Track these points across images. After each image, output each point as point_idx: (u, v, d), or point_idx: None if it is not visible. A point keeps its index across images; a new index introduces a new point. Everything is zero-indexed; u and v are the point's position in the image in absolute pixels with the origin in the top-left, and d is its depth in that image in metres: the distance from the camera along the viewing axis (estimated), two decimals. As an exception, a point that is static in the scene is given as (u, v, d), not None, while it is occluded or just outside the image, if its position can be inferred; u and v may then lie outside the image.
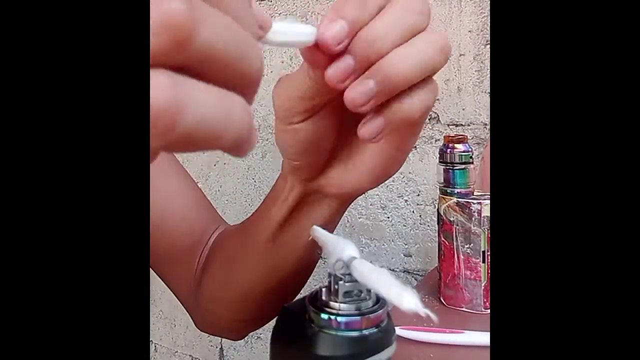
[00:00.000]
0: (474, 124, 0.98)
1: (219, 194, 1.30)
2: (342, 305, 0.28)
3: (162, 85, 0.19)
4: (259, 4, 1.19)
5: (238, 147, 0.22)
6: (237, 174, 1.27)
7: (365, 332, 0.28)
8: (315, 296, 0.30)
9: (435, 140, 1.02)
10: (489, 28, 0.95)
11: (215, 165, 1.31)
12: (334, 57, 0.34)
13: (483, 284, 0.62)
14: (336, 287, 0.28)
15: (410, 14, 0.36)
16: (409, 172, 1.04)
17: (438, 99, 1.01)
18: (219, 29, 0.20)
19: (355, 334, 0.28)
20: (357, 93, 0.34)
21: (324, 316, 0.28)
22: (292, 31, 0.31)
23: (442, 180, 0.66)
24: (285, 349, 0.31)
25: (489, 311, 0.62)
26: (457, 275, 0.64)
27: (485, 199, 0.63)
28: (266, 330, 1.33)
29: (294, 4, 1.15)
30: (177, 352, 1.45)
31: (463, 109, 0.99)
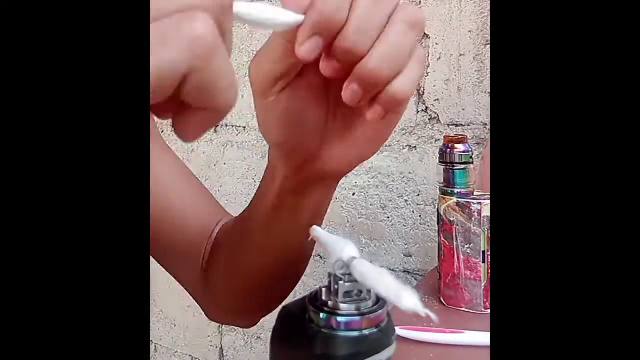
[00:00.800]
0: (474, 124, 0.98)
1: (219, 194, 1.30)
2: (342, 305, 0.28)
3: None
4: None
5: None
6: (237, 174, 1.27)
7: (365, 332, 0.28)
8: (315, 296, 0.30)
9: (435, 140, 1.02)
10: (489, 28, 0.95)
11: (215, 165, 1.31)
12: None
13: (483, 284, 0.62)
14: (336, 287, 0.28)
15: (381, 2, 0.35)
16: (409, 172, 1.04)
17: (438, 99, 1.01)
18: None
19: (355, 334, 0.28)
20: (347, 97, 0.36)
21: (324, 316, 0.28)
22: (273, 14, 0.33)
23: (442, 180, 0.66)
24: (285, 349, 0.31)
25: (489, 311, 0.62)
26: (457, 275, 0.64)
27: (485, 199, 0.63)
28: (266, 330, 1.33)
29: (294, 4, 1.15)
30: (177, 352, 1.45)
31: (463, 109, 0.99)
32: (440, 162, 0.66)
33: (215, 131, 1.29)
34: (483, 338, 0.54)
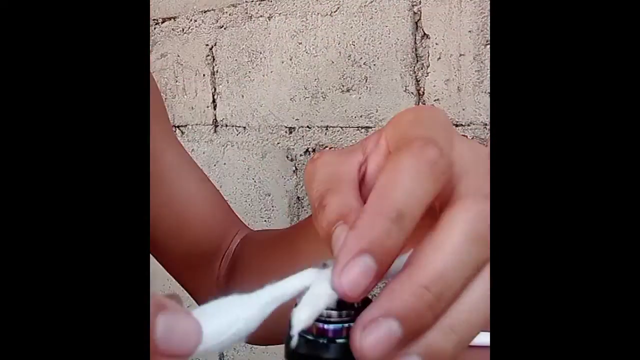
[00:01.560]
0: (474, 124, 0.98)
1: (219, 194, 1.30)
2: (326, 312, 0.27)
3: None
4: (259, 4, 1.19)
5: None
6: (237, 174, 1.27)
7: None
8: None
9: (435, 140, 1.02)
10: (489, 28, 0.95)
11: (215, 165, 1.31)
12: None
13: (483, 284, 0.62)
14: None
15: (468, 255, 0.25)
16: (409, 172, 1.04)
17: (438, 99, 1.01)
18: None
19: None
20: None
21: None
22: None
23: (442, 180, 0.65)
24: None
25: (489, 311, 0.62)
26: (457, 275, 0.63)
27: (485, 199, 0.63)
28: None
29: (294, 4, 1.15)
30: (177, 352, 1.45)
31: (463, 109, 0.99)
32: (440, 162, 0.66)
33: (215, 131, 1.29)
34: (483, 338, 0.54)
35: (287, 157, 1.19)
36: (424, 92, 1.03)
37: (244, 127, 1.25)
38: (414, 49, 1.03)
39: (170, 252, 0.56)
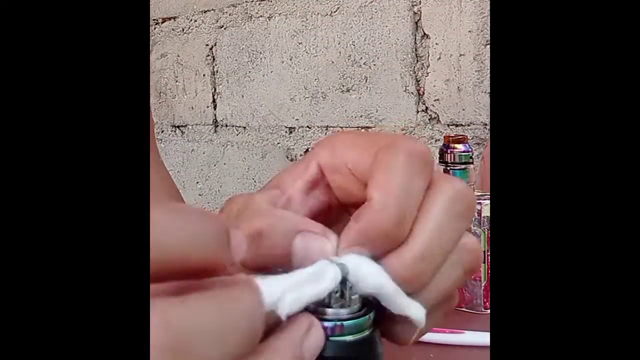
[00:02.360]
0: (474, 124, 0.98)
1: (219, 194, 1.30)
2: (329, 310, 0.27)
3: None
4: (259, 4, 1.19)
5: None
6: (237, 174, 1.27)
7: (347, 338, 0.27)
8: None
9: (435, 140, 1.02)
10: (489, 28, 0.95)
11: (215, 165, 1.31)
12: None
13: (483, 284, 0.62)
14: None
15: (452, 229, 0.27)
16: (409, 172, 1.04)
17: (438, 99, 1.01)
18: None
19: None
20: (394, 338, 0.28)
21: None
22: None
23: (442, 180, 0.66)
24: None
25: (489, 311, 0.62)
26: (457, 275, 0.64)
27: (485, 199, 0.63)
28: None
29: (294, 4, 1.15)
30: (177, 352, 1.45)
31: (463, 109, 0.99)
32: (440, 162, 0.66)
33: (215, 131, 1.29)
34: (483, 338, 0.54)
35: (287, 157, 1.19)
36: (424, 92, 1.03)
37: (244, 127, 1.25)
38: (414, 49, 1.03)
39: None
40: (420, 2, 1.00)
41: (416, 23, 1.02)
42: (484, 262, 0.62)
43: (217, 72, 1.27)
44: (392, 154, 0.26)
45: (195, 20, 1.29)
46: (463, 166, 0.65)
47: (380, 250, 0.26)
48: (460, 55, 0.98)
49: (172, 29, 1.33)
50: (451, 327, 0.56)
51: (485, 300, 0.62)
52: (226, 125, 1.28)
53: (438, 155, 0.66)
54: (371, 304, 0.27)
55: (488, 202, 0.62)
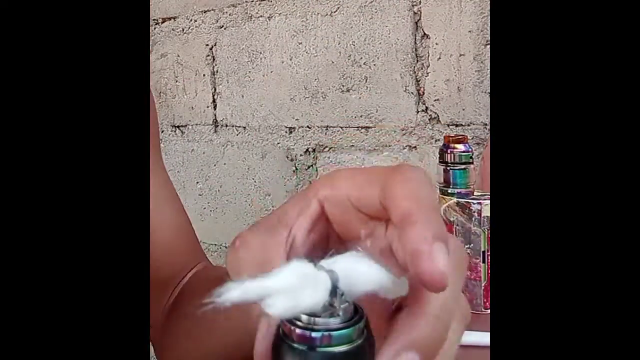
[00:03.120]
0: (474, 124, 0.98)
1: (219, 194, 1.30)
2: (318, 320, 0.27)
3: None
4: (259, 4, 1.19)
5: None
6: (237, 174, 1.27)
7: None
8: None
9: (435, 140, 1.02)
10: (489, 28, 0.95)
11: (215, 165, 1.31)
12: None
13: (483, 284, 0.62)
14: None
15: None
16: (409, 172, 1.04)
17: (438, 99, 1.01)
18: None
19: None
20: None
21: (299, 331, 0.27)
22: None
23: (442, 181, 0.66)
24: None
25: (489, 311, 0.62)
26: (457, 275, 0.64)
27: (485, 199, 0.63)
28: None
29: (294, 4, 1.15)
30: (177, 352, 1.45)
31: (463, 109, 0.99)
32: (440, 162, 0.66)
33: (215, 131, 1.29)
34: (483, 338, 0.54)
35: (287, 157, 1.19)
36: (424, 92, 1.03)
37: (244, 127, 1.25)
38: (414, 49, 1.03)
39: None
40: (420, 2, 1.00)
41: (416, 23, 1.02)
42: (484, 262, 0.62)
43: (217, 72, 1.27)
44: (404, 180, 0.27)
45: (195, 20, 1.29)
46: (463, 166, 0.65)
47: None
48: (460, 55, 0.98)
49: (172, 29, 1.33)
50: (451, 327, 0.56)
51: (485, 300, 0.62)
52: (226, 125, 1.28)
53: (438, 155, 0.66)
54: (362, 311, 0.27)
55: (488, 202, 0.62)
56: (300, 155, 1.17)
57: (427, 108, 1.03)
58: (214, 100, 1.28)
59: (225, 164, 1.29)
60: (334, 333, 0.26)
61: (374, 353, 0.27)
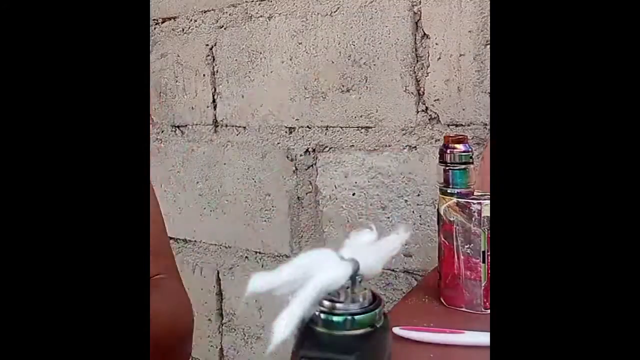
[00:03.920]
0: (474, 124, 0.98)
1: (219, 194, 1.30)
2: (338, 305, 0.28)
3: None
4: (259, 4, 1.19)
5: None
6: (237, 174, 1.27)
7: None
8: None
9: (435, 141, 1.02)
10: (489, 28, 0.95)
11: (215, 165, 1.31)
12: None
13: (483, 284, 0.62)
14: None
15: None
16: (409, 173, 1.04)
17: (438, 99, 1.01)
18: None
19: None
20: None
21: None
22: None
23: (442, 181, 0.66)
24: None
25: (489, 311, 0.62)
26: (457, 275, 0.64)
27: (485, 199, 0.63)
28: (266, 330, 1.33)
29: (294, 4, 1.15)
30: (177, 352, 1.45)
31: (463, 109, 0.99)
32: (440, 162, 0.66)
33: (216, 131, 1.29)
34: (483, 338, 0.54)
35: (287, 157, 1.19)
36: (424, 92, 1.03)
37: (244, 127, 1.25)
38: (414, 49, 1.03)
39: None
40: (420, 2, 1.00)
41: (416, 23, 1.02)
42: (484, 262, 0.62)
43: (217, 72, 1.27)
44: None
45: (195, 20, 1.29)
46: (463, 166, 0.65)
47: None
48: (460, 55, 0.98)
49: (172, 29, 1.33)
50: (451, 327, 0.56)
51: (485, 300, 0.62)
52: (226, 125, 1.28)
53: (438, 155, 0.66)
54: (380, 298, 0.28)
55: (488, 202, 0.62)
56: (300, 155, 1.17)
57: (427, 108, 1.03)
58: (214, 100, 1.28)
59: (225, 164, 1.29)
60: (355, 317, 0.27)
61: (390, 337, 0.28)
